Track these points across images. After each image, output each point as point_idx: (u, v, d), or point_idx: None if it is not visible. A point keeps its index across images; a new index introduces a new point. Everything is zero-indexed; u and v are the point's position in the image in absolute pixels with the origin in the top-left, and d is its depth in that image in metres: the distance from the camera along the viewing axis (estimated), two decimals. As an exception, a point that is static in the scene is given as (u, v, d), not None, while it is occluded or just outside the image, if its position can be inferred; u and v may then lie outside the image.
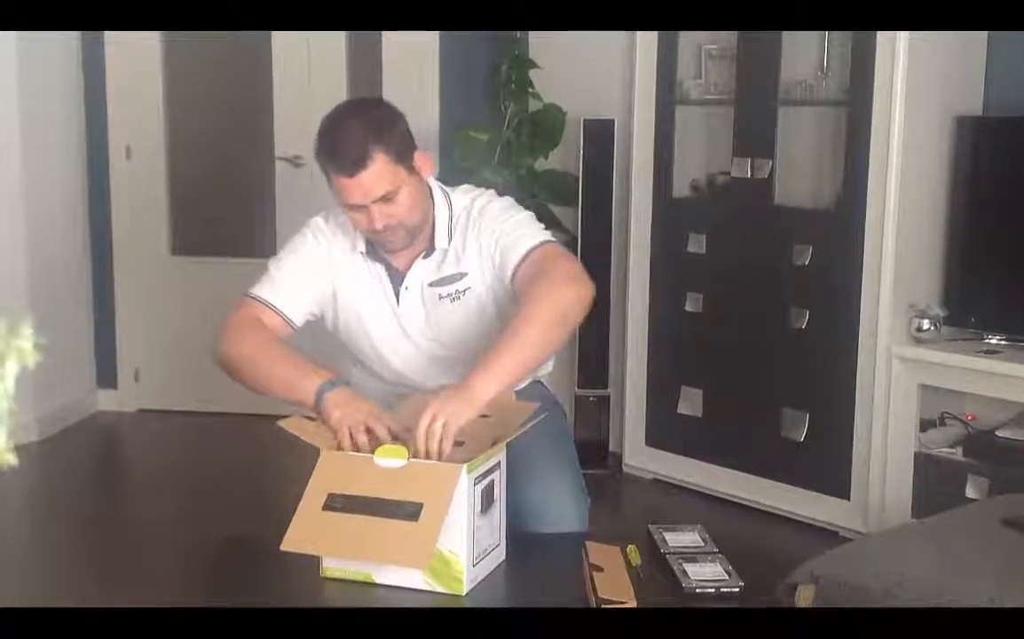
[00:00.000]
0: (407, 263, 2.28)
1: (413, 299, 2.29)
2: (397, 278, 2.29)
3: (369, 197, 2.12)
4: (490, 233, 2.25)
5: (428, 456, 1.91)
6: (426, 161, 2.23)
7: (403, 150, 2.16)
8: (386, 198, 2.13)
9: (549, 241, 2.25)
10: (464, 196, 2.32)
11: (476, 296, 2.28)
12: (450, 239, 2.27)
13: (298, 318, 2.29)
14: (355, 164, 2.09)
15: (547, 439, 2.25)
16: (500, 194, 2.36)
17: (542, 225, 2.30)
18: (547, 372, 2.51)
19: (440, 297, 2.28)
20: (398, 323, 2.30)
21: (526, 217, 2.29)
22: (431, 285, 2.28)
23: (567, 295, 2.12)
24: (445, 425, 1.92)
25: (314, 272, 2.30)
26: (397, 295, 2.29)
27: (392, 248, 2.24)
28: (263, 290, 2.29)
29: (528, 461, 2.16)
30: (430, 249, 2.27)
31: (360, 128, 2.12)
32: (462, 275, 2.27)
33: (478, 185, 2.40)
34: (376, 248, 2.27)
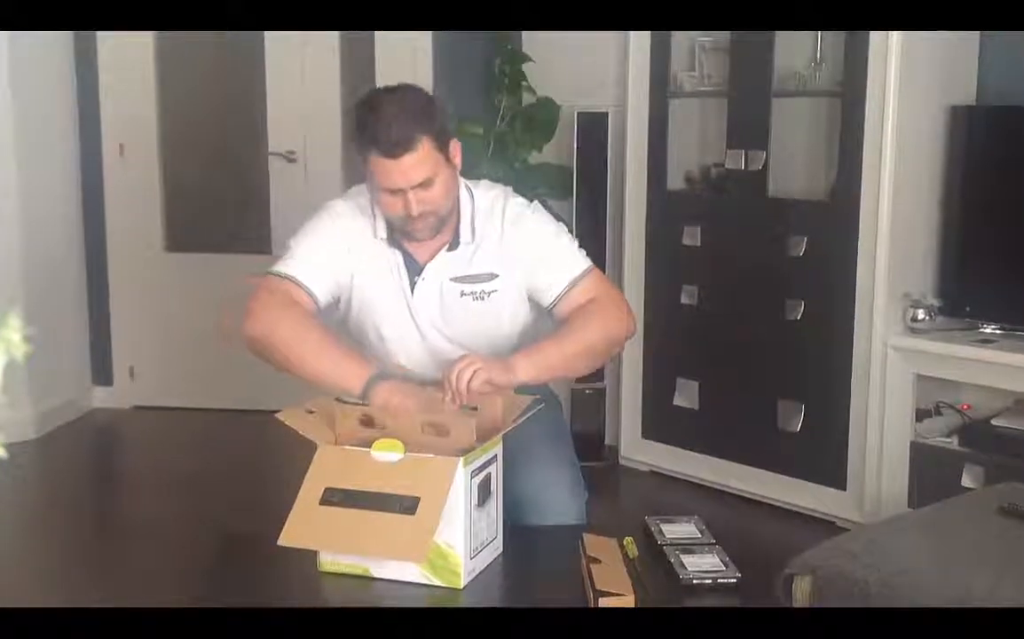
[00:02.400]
0: (427, 254, 2.27)
1: (429, 290, 2.28)
2: (414, 268, 2.28)
3: (409, 181, 2.12)
4: (530, 250, 2.27)
5: (456, 392, 2.01)
6: (458, 150, 2.23)
7: (444, 138, 2.17)
8: (424, 184, 2.14)
9: (589, 266, 2.30)
10: (487, 192, 2.32)
11: (500, 301, 2.29)
12: (473, 234, 2.27)
13: (323, 297, 2.27)
14: (400, 147, 2.09)
15: (545, 433, 2.26)
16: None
17: (576, 242, 2.33)
18: None
19: (463, 293, 2.27)
20: (409, 313, 2.29)
21: (567, 241, 2.32)
22: (454, 280, 2.27)
23: (613, 330, 2.27)
24: (478, 370, 2.01)
25: (335, 252, 2.28)
26: (412, 285, 2.28)
27: (420, 236, 2.23)
28: (289, 267, 2.26)
29: (526, 455, 2.17)
30: (455, 242, 2.27)
31: (407, 112, 2.12)
32: (492, 276, 2.27)
33: (475, 180, 2.40)
34: (396, 235, 2.26)
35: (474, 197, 2.30)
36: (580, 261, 2.29)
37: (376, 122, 2.11)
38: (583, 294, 2.26)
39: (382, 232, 2.27)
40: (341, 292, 2.31)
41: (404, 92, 2.19)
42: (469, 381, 2.02)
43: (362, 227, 2.28)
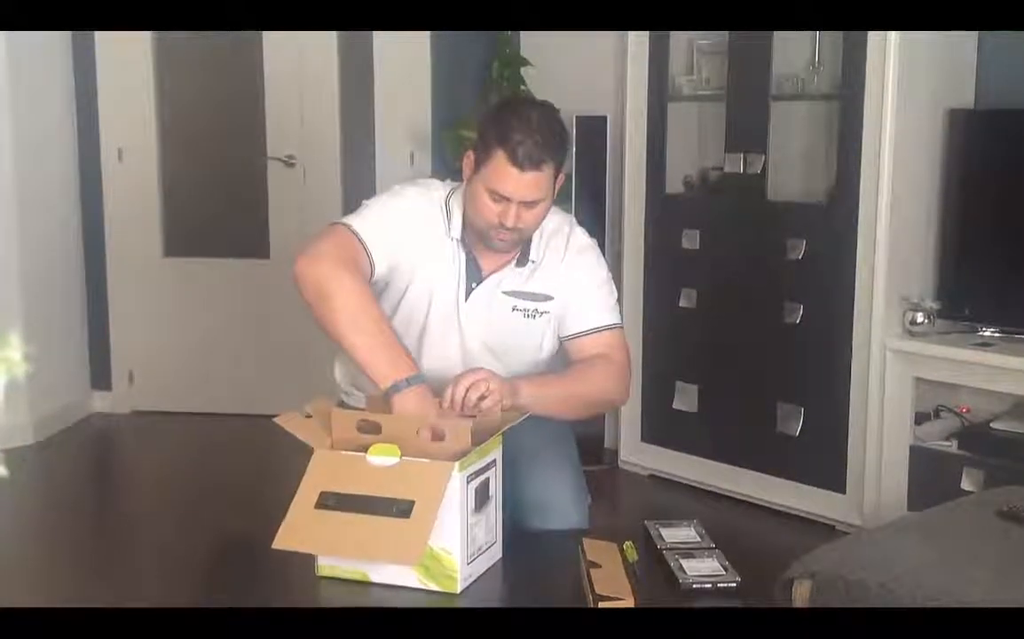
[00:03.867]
0: (493, 265, 2.27)
1: (481, 299, 2.27)
2: (475, 275, 2.27)
3: (522, 197, 2.13)
4: (582, 278, 2.30)
5: (463, 406, 2.01)
6: (561, 181, 2.24)
7: (561, 167, 2.20)
8: (531, 204, 2.15)
9: (620, 325, 2.34)
10: (554, 216, 2.32)
11: (547, 323, 2.30)
12: (541, 255, 2.29)
13: (379, 269, 2.21)
14: (531, 162, 2.10)
15: (549, 437, 2.27)
16: None
17: (616, 297, 2.37)
18: None
19: (514, 309, 2.28)
20: (457, 317, 2.28)
21: (612, 289, 2.36)
22: (507, 293, 2.27)
23: (614, 393, 2.32)
24: (491, 392, 2.02)
25: (404, 235, 2.24)
26: (469, 291, 2.27)
27: (499, 248, 2.23)
28: (361, 226, 2.20)
29: (529, 458, 2.17)
30: (523, 259, 2.27)
31: (549, 133, 2.13)
32: (548, 298, 2.29)
33: None
34: (470, 238, 2.25)
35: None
36: (613, 315, 2.33)
37: (517, 128, 2.10)
38: (600, 345, 2.29)
39: (456, 231, 2.25)
40: (393, 276, 2.26)
41: (551, 112, 2.20)
42: (480, 399, 2.01)
43: (434, 221, 2.27)
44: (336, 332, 2.09)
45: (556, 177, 2.19)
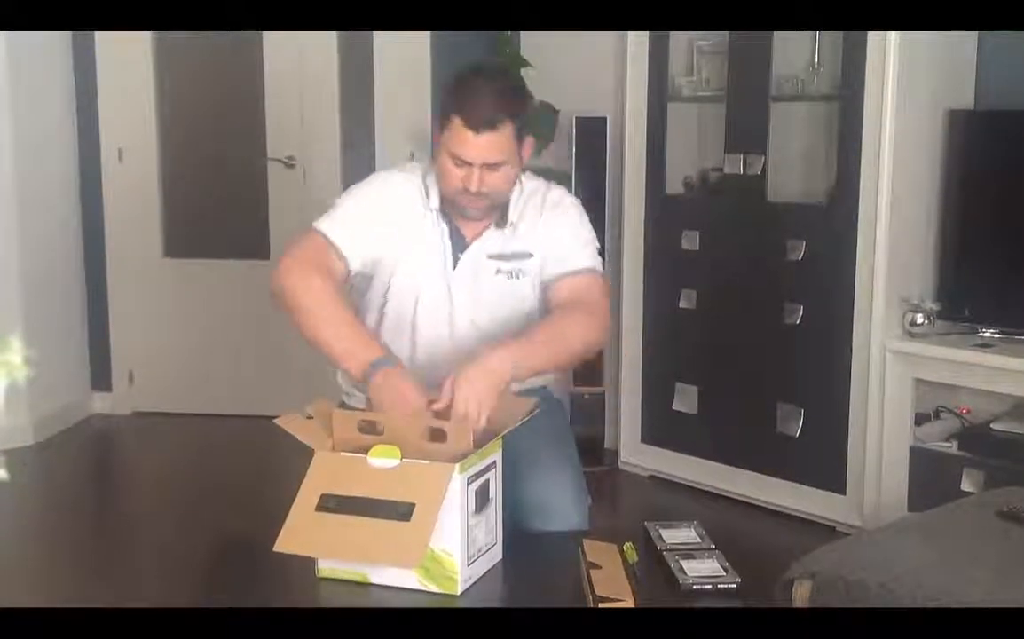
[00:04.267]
0: (473, 232, 2.30)
1: (468, 266, 2.30)
2: (459, 243, 2.31)
3: (481, 159, 2.17)
4: (558, 227, 2.31)
5: (467, 419, 1.96)
6: (529, 147, 2.28)
7: (523, 129, 2.23)
8: (493, 167, 2.18)
9: (598, 271, 2.33)
10: (535, 180, 2.38)
11: (530, 284, 2.32)
12: (519, 216, 2.31)
13: (356, 263, 2.26)
14: (485, 124, 2.14)
15: (549, 438, 2.27)
16: None
17: (599, 248, 2.37)
18: (550, 377, 2.51)
19: (497, 271, 2.30)
20: (447, 289, 2.30)
21: (591, 236, 2.36)
22: (491, 257, 2.30)
23: (593, 338, 2.26)
24: (481, 405, 1.99)
25: (379, 222, 2.28)
26: (455, 260, 2.30)
27: (470, 215, 2.27)
28: (328, 227, 2.26)
29: (531, 460, 2.17)
30: (503, 221, 2.30)
31: (501, 93, 2.19)
32: (528, 256, 2.31)
33: None
34: (447, 208, 2.28)
35: (522, 183, 2.35)
36: (591, 258, 2.33)
37: (470, 92, 2.17)
38: (578, 289, 2.27)
39: (434, 203, 2.29)
40: (378, 266, 2.30)
41: (504, 74, 2.29)
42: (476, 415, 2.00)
43: (413, 197, 2.30)
44: (309, 336, 2.16)
45: (519, 140, 2.22)
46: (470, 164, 2.17)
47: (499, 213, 2.30)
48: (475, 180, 2.18)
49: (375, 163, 4.70)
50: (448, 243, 2.30)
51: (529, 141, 2.27)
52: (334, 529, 1.84)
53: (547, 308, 2.30)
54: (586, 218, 2.39)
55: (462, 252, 2.30)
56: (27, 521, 3.87)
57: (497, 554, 1.98)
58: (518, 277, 2.31)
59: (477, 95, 2.16)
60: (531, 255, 2.31)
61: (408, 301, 2.31)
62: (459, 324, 2.31)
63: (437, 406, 2.01)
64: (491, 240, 2.30)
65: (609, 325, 2.32)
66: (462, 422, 1.96)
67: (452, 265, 2.30)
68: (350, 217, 2.28)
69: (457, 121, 2.16)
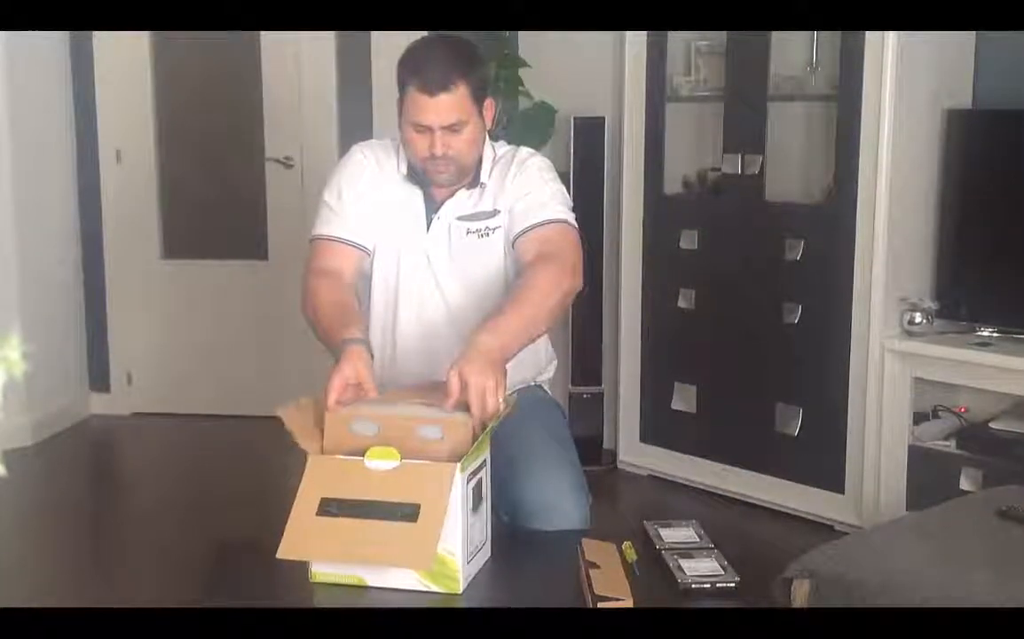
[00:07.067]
0: (446, 194, 2.32)
1: (442, 229, 2.32)
2: (432, 206, 2.33)
3: (440, 121, 2.19)
4: (524, 183, 2.31)
5: (483, 412, 1.92)
6: (491, 108, 2.31)
7: (481, 90, 2.25)
8: (454, 128, 2.21)
9: (567, 221, 2.31)
10: (506, 145, 2.41)
11: (501, 238, 2.32)
12: (489, 177, 2.34)
13: (369, 241, 2.33)
14: (439, 86, 2.17)
15: (548, 438, 2.26)
16: None
17: (570, 203, 2.36)
18: (548, 377, 2.51)
19: (468, 231, 2.32)
20: (426, 255, 2.32)
21: (558, 190, 2.35)
22: (460, 219, 2.32)
23: (567, 285, 2.21)
24: (496, 387, 1.94)
25: (371, 190, 2.34)
26: (428, 222, 2.33)
27: (438, 181, 2.29)
28: (330, 227, 2.33)
29: (529, 459, 2.17)
30: (474, 182, 2.33)
31: (452, 55, 2.22)
32: (495, 213, 2.32)
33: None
34: (417, 174, 2.31)
35: (495, 148, 2.39)
36: (561, 211, 2.31)
37: (421, 58, 2.21)
38: (547, 237, 2.25)
39: (403, 168, 2.33)
40: (376, 236, 2.35)
41: (454, 39, 2.30)
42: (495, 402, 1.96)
43: (385, 165, 2.36)
44: (321, 338, 2.20)
45: (479, 100, 2.24)
46: (431, 128, 2.20)
47: (471, 177, 2.33)
48: (438, 144, 2.21)
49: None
50: (421, 207, 2.34)
51: (489, 102, 2.29)
52: (339, 533, 1.82)
53: (519, 263, 2.27)
54: (555, 173, 2.39)
55: (435, 213, 2.33)
56: (26, 522, 3.87)
57: (487, 552, 1.97)
58: (487, 235, 2.32)
59: (428, 60, 2.20)
60: (498, 212, 2.32)
61: (391, 266, 2.35)
62: (443, 285, 2.33)
63: (448, 404, 1.96)
64: (461, 201, 2.33)
65: (582, 270, 2.28)
66: (484, 413, 1.93)
67: (427, 227, 2.33)
68: (346, 206, 2.33)
69: (412, 89, 2.19)
